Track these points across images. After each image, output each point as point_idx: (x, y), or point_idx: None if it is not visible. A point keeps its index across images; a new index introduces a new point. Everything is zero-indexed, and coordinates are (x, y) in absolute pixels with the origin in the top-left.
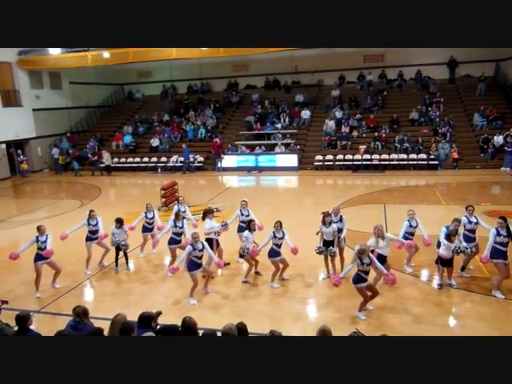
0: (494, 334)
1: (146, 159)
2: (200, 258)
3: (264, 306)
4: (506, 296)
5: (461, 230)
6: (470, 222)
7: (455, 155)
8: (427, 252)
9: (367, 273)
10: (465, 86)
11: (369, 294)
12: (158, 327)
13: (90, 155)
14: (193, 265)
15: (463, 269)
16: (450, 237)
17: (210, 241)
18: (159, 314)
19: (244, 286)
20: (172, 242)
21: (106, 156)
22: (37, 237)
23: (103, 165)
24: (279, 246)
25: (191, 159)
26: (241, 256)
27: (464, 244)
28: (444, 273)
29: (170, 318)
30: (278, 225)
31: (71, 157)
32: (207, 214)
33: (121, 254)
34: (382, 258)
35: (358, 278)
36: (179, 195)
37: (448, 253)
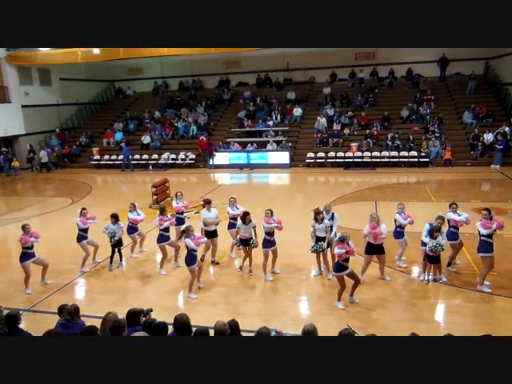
0: (483, 329)
1: (137, 156)
2: (194, 251)
3: (255, 303)
4: (492, 290)
5: (445, 228)
6: (459, 215)
7: (447, 155)
8: (418, 248)
9: (347, 260)
10: (455, 83)
11: (353, 281)
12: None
13: (27, 153)
14: (191, 259)
15: (449, 264)
16: (432, 232)
17: (207, 232)
18: (150, 310)
19: (234, 284)
20: (161, 239)
21: (41, 154)
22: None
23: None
24: (270, 234)
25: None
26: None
27: (434, 242)
28: (431, 269)
29: (163, 315)
30: (269, 212)
31: (59, 154)
32: (205, 203)
33: (115, 250)
34: (374, 247)
35: (339, 267)
36: (178, 191)
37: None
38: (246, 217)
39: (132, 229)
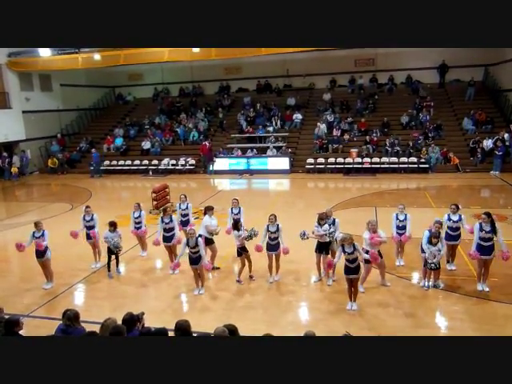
0: (482, 335)
1: (137, 162)
2: (194, 253)
3: (256, 309)
4: (489, 289)
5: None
6: (449, 220)
7: (455, 160)
8: (418, 254)
9: (352, 261)
10: (454, 90)
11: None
12: (145, 330)
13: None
14: (189, 259)
15: (448, 262)
16: (430, 239)
17: (206, 240)
18: (142, 314)
19: (235, 289)
20: (164, 239)
21: (14, 159)
22: (33, 232)
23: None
24: (273, 239)
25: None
26: (239, 254)
27: (437, 259)
28: (431, 275)
29: (163, 320)
30: (273, 218)
31: (61, 160)
32: (207, 210)
33: (112, 257)
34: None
35: (346, 269)
36: (181, 194)
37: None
38: (237, 224)
39: (135, 228)
